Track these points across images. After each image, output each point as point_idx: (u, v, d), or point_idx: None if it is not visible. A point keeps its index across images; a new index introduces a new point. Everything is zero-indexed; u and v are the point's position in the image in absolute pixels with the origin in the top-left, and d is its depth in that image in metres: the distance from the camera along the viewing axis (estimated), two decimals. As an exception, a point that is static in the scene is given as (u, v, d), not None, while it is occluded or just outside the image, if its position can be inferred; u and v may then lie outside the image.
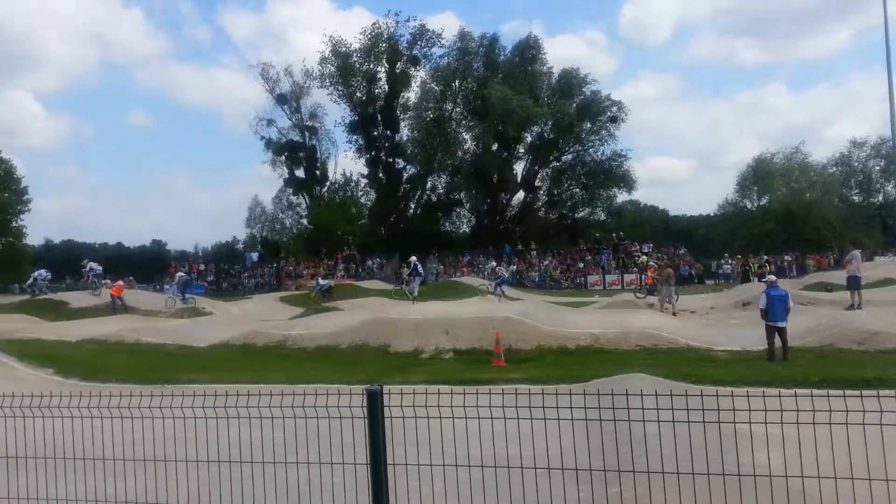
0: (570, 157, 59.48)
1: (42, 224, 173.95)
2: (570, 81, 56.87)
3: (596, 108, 55.94)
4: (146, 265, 77.71)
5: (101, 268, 32.19)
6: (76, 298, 30.11)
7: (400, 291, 28.97)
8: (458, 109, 58.57)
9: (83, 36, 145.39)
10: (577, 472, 3.40)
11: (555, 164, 59.63)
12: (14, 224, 58.67)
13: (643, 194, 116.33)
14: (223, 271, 49.13)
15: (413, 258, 28.85)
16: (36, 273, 33.04)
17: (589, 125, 56.72)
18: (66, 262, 77.78)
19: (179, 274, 33.78)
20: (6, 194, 57.63)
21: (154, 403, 3.44)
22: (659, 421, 3.15)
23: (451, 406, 3.12)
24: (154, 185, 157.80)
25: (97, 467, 3.65)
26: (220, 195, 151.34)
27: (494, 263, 35.52)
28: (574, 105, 55.70)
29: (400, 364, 14.21)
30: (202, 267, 50.10)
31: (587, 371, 11.38)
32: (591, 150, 58.14)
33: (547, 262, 44.00)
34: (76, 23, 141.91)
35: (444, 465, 3.26)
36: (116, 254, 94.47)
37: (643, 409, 3.25)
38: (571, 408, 3.17)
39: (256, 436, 3.60)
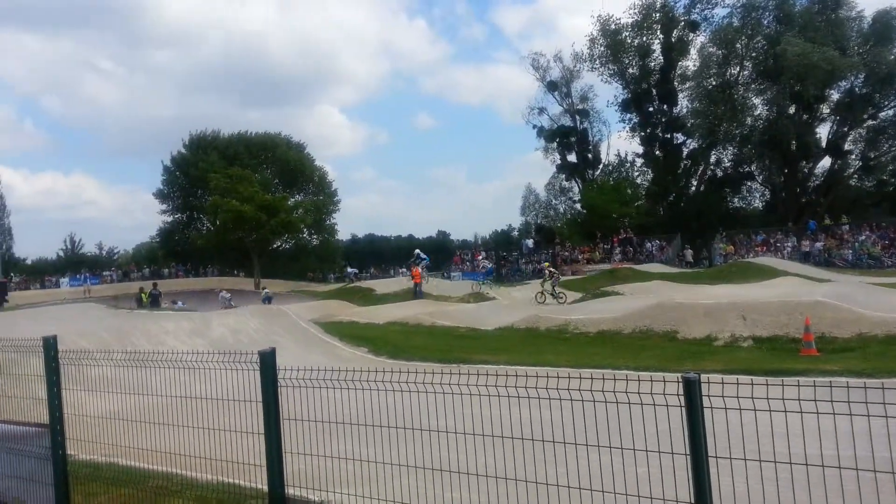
0: (890, 112, 50.04)
1: (349, 221, 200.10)
2: (888, 24, 47.71)
3: (924, 51, 46.40)
4: (433, 254, 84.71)
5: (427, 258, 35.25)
6: (381, 285, 34.57)
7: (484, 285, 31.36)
8: (745, 73, 53.09)
9: (376, 51, 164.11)
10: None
11: (870, 122, 50.73)
12: (328, 222, 68.96)
13: None
14: (501, 258, 51.31)
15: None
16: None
17: (915, 73, 47.26)
18: (370, 254, 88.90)
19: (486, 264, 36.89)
20: (321, 197, 68.27)
21: (454, 381, 3.53)
22: None
23: (767, 398, 2.66)
24: (437, 181, 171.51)
25: (407, 436, 3.89)
26: (496, 185, 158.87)
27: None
28: (894, 51, 46.98)
29: (691, 351, 13.27)
30: (483, 255, 52.94)
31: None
32: (919, 102, 48.36)
33: (863, 236, 37.66)
34: (371, 40, 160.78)
35: (776, 462, 2.79)
36: (408, 245, 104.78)
37: None
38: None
39: (546, 416, 3.50)
